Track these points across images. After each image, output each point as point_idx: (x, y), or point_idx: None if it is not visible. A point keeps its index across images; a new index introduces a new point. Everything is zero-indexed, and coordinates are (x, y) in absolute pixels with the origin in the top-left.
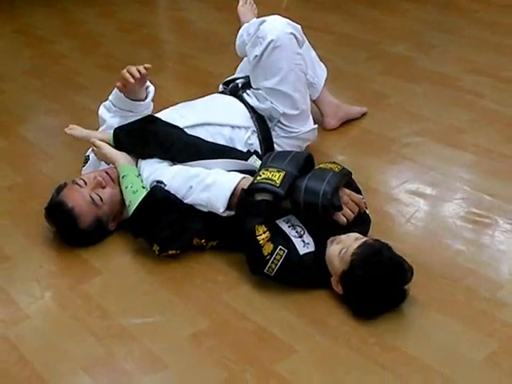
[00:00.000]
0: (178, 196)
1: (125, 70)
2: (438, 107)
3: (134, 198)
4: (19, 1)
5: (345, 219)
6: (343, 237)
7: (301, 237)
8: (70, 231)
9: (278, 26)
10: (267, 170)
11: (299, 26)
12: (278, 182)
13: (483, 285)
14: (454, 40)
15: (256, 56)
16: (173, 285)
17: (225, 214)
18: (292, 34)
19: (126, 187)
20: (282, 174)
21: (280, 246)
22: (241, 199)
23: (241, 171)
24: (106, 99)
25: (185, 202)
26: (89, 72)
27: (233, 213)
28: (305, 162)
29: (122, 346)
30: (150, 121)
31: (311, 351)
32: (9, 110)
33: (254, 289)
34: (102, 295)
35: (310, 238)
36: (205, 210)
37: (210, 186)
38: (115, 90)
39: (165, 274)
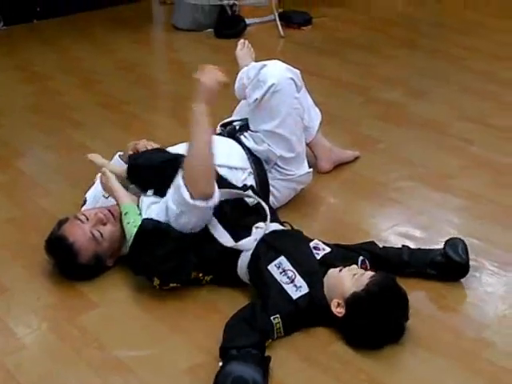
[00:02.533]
0: (164, 219)
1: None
2: (428, 152)
3: None
4: (18, 36)
5: None
6: (352, 266)
7: (292, 281)
8: (69, 265)
9: (278, 71)
10: None
11: (298, 72)
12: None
13: (469, 325)
14: (443, 86)
15: (256, 99)
16: (169, 319)
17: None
18: (291, 78)
19: (128, 222)
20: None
21: (273, 318)
22: None
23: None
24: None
25: (171, 221)
26: (86, 109)
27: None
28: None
29: (119, 377)
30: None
31: None
32: (7, 144)
33: None
34: (98, 328)
35: (302, 281)
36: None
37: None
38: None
39: (161, 309)
